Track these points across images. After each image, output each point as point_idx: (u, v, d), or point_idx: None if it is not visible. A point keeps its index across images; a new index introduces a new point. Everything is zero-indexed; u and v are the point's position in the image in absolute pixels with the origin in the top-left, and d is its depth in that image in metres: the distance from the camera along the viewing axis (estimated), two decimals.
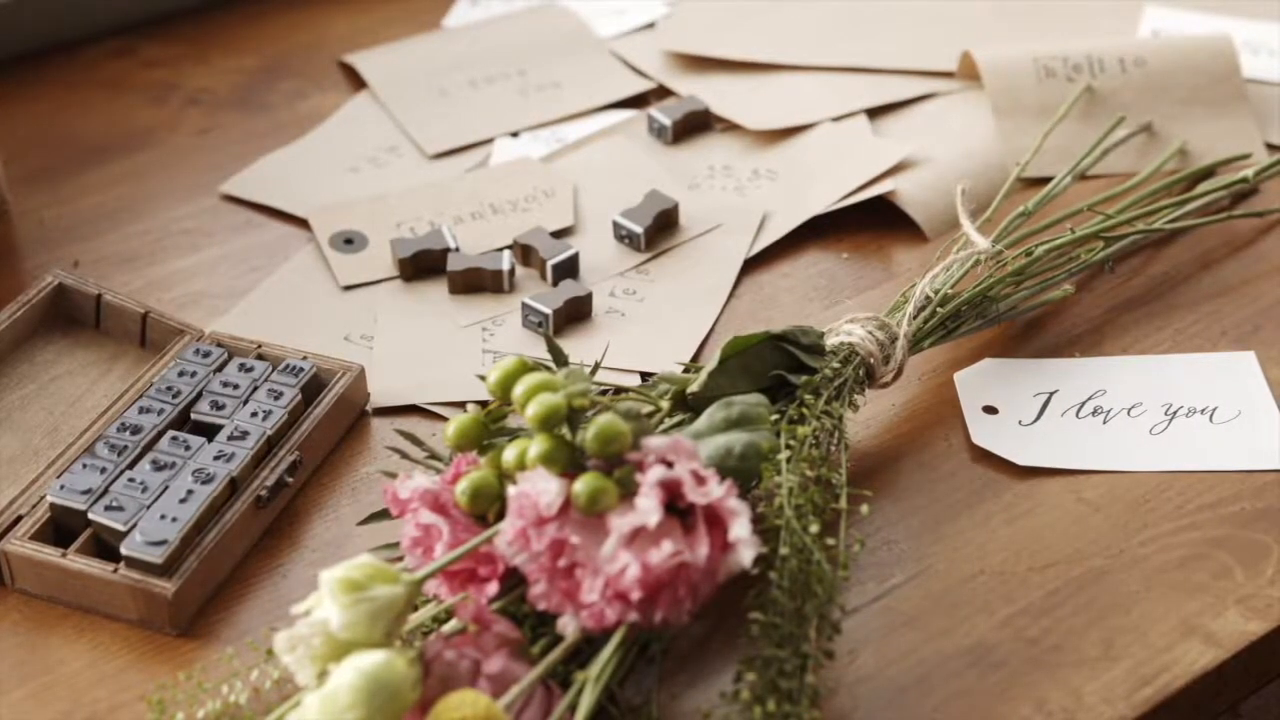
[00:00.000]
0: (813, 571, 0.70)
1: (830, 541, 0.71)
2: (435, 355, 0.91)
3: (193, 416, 0.84)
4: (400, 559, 0.72)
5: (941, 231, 0.98)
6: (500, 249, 0.97)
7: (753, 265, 0.97)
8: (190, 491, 0.78)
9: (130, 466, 0.80)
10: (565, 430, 0.70)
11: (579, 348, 0.89)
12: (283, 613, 0.76)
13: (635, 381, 0.88)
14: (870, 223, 1.00)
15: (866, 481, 0.81)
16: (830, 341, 0.82)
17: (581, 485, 0.68)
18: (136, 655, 0.76)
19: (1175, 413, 0.85)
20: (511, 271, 0.95)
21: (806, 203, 1.00)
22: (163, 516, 0.77)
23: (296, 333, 0.91)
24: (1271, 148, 1.04)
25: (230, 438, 0.81)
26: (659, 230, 0.99)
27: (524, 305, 0.92)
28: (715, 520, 0.69)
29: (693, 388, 0.79)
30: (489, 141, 1.08)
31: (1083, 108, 1.04)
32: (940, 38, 1.13)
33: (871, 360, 0.82)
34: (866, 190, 1.00)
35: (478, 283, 0.95)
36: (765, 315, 0.93)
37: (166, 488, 0.79)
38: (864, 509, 0.74)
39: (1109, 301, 0.94)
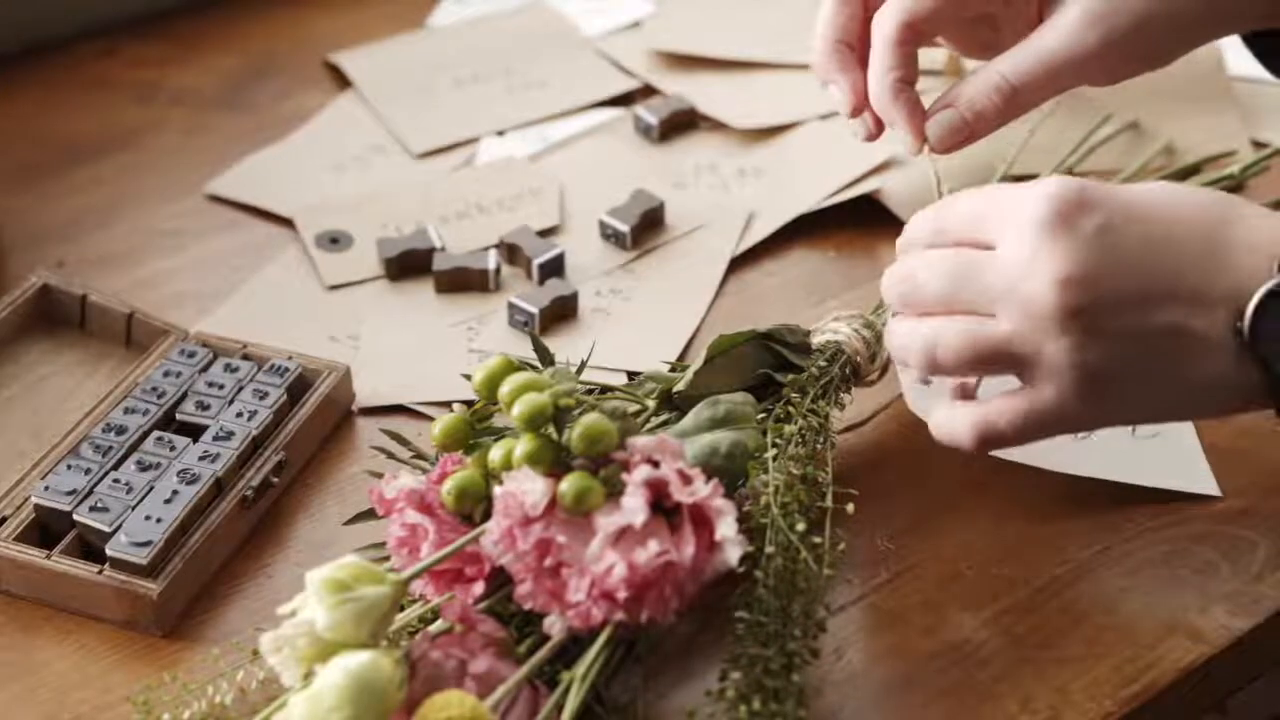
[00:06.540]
0: (798, 570, 0.70)
1: (816, 540, 0.71)
2: (421, 355, 0.91)
3: (178, 417, 0.83)
4: (386, 559, 0.72)
5: None
6: (486, 248, 0.97)
7: (739, 264, 0.97)
8: (175, 492, 0.78)
9: (115, 467, 0.80)
10: (551, 429, 0.70)
11: (565, 347, 0.89)
12: (268, 613, 0.75)
13: (621, 380, 0.88)
14: (856, 221, 0.99)
15: (852, 480, 0.81)
16: (816, 340, 0.82)
17: (567, 485, 0.68)
18: (122, 656, 0.75)
19: None
20: (497, 271, 0.95)
21: (793, 201, 1.00)
22: (148, 517, 0.77)
23: (282, 333, 0.91)
24: (1257, 144, 1.04)
25: (215, 438, 0.81)
26: (645, 229, 0.98)
27: (510, 304, 0.92)
28: (701, 519, 0.69)
29: (679, 386, 0.79)
30: (475, 140, 1.07)
31: (1068, 105, 1.04)
32: None
33: (858, 358, 0.82)
34: (852, 188, 1.00)
35: (463, 282, 0.95)
36: (751, 314, 0.93)
37: (151, 488, 0.78)
38: (849, 507, 0.74)
39: None
